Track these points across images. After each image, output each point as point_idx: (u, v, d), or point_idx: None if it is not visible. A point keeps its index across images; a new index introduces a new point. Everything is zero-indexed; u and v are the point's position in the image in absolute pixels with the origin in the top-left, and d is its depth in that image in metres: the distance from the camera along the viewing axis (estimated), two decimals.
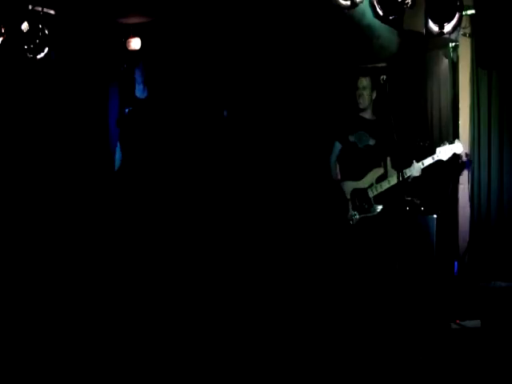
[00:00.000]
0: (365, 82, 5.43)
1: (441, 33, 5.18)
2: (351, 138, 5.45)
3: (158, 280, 6.01)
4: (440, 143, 5.43)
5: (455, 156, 5.44)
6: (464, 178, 5.82)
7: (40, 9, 6.08)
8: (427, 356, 4.30)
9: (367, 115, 5.46)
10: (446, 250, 5.80)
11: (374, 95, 5.43)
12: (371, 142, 5.38)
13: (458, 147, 5.31)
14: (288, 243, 6.40)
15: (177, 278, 6.08)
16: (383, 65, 6.41)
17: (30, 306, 5.40)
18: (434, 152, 5.32)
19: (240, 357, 4.37)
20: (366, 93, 5.41)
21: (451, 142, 5.34)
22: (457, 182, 5.87)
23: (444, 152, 5.29)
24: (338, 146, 5.54)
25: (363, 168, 5.40)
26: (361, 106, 5.43)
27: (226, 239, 6.56)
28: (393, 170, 5.33)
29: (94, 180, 6.89)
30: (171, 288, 5.84)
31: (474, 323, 4.85)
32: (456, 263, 5.74)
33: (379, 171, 5.34)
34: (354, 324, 4.86)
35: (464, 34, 5.71)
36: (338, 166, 5.58)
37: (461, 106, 5.90)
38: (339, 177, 5.55)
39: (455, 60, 5.92)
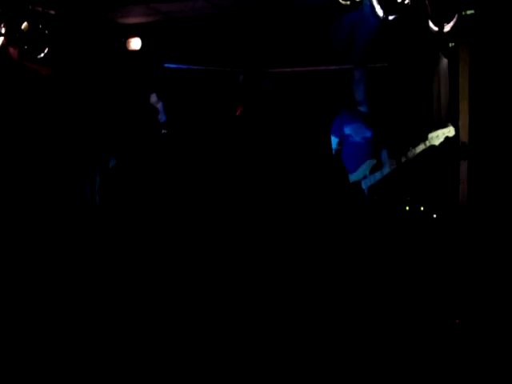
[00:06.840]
0: (358, 74, 5.44)
1: (441, 33, 5.20)
2: (347, 131, 5.44)
3: (156, 277, 6.04)
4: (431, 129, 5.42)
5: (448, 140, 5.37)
6: (464, 178, 5.82)
7: (40, 9, 6.09)
8: (427, 356, 4.30)
9: (364, 108, 5.45)
10: (446, 250, 5.80)
11: (369, 89, 5.42)
12: (368, 134, 5.37)
13: (450, 130, 5.32)
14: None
15: (175, 274, 6.10)
16: (384, 64, 6.42)
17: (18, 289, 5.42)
18: (426, 138, 5.32)
19: (239, 349, 4.38)
20: (360, 86, 5.42)
21: (443, 127, 5.35)
22: (457, 182, 5.88)
23: (436, 137, 5.29)
24: (334, 139, 5.51)
25: (359, 161, 5.39)
26: (356, 99, 5.43)
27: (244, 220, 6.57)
28: (388, 161, 5.30)
29: (94, 180, 6.90)
30: (168, 284, 5.86)
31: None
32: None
33: (372, 163, 5.33)
34: (353, 323, 4.87)
35: (464, 34, 5.71)
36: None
37: (461, 106, 5.90)
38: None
39: (455, 60, 5.93)
